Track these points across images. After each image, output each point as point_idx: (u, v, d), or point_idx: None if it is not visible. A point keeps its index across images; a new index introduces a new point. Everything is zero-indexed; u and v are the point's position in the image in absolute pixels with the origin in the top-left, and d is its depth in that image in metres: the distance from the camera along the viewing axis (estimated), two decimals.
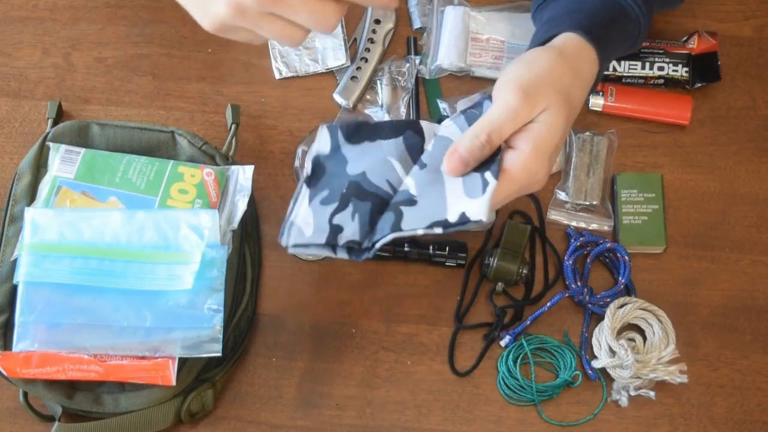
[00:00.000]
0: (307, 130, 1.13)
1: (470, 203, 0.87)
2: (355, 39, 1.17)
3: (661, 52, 1.14)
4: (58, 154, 1.03)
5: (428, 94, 1.14)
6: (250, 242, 1.06)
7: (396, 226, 0.88)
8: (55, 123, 1.10)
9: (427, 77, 1.15)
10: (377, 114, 1.13)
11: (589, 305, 1.06)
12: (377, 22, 1.16)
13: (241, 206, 1.02)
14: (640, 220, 1.08)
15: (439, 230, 0.87)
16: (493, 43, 1.15)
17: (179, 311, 0.96)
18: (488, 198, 0.86)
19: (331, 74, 1.16)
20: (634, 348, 1.02)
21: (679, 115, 1.13)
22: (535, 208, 1.10)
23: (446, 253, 1.06)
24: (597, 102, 1.13)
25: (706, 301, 1.07)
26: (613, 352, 1.02)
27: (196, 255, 0.97)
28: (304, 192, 0.93)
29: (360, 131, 0.94)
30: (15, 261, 0.98)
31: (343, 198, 0.91)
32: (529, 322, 1.05)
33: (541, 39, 0.96)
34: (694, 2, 1.18)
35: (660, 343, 1.02)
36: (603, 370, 1.03)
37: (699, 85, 1.13)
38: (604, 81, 1.13)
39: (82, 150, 1.03)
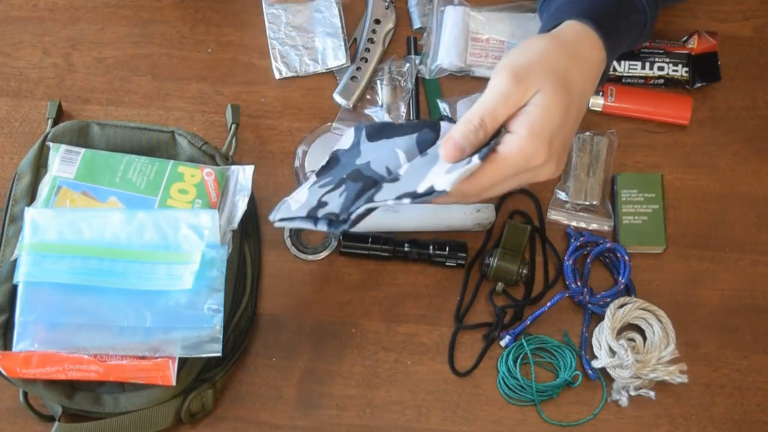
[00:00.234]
0: (307, 130, 1.13)
1: (443, 177, 0.88)
2: (355, 39, 1.17)
3: (661, 52, 1.14)
4: (58, 154, 1.03)
5: (428, 94, 1.14)
6: (250, 242, 1.06)
7: (370, 199, 0.90)
8: (55, 123, 1.10)
9: (427, 77, 1.15)
10: (377, 114, 1.13)
11: (589, 305, 1.06)
12: (377, 22, 1.16)
13: (241, 206, 1.02)
14: (640, 220, 1.08)
15: (407, 201, 0.88)
16: (493, 43, 1.15)
17: (179, 311, 0.96)
18: (460, 172, 0.86)
19: (331, 74, 1.16)
20: (634, 348, 1.02)
21: (679, 115, 1.13)
22: (535, 208, 1.10)
23: (446, 253, 1.06)
24: (597, 102, 1.13)
25: (706, 301, 1.07)
26: (613, 352, 1.02)
27: (196, 255, 0.97)
28: (312, 179, 0.95)
29: (382, 131, 0.96)
30: (15, 261, 0.98)
31: (339, 181, 0.93)
32: (529, 322, 1.05)
33: (546, 29, 0.96)
34: (694, 2, 1.18)
35: (660, 343, 1.02)
36: (603, 370, 1.03)
37: (699, 85, 1.13)
38: None
39: (82, 150, 1.03)
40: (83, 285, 0.95)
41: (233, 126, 1.09)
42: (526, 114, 0.88)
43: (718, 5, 1.18)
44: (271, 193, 1.10)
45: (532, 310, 1.06)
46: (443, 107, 1.12)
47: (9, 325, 0.97)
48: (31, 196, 1.02)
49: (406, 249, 1.07)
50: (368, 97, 1.14)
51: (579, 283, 1.06)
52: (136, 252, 0.97)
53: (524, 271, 1.05)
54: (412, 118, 1.13)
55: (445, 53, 1.14)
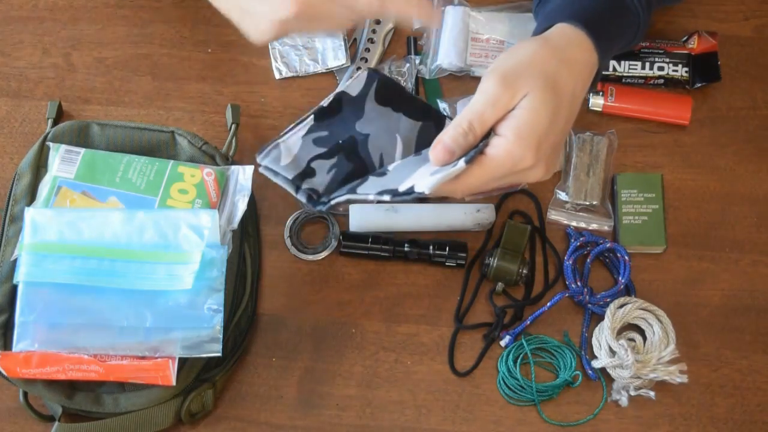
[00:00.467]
0: None
1: (426, 178, 0.89)
2: (355, 39, 1.17)
3: (661, 52, 1.14)
4: (58, 154, 1.03)
5: (428, 94, 1.14)
6: (250, 242, 1.06)
7: (352, 190, 0.91)
8: (55, 123, 1.10)
9: (427, 77, 1.15)
10: None
11: (589, 305, 1.06)
12: (377, 22, 1.16)
13: (241, 206, 1.02)
14: (640, 220, 1.08)
15: (387, 197, 0.89)
16: (493, 43, 1.15)
17: (179, 311, 0.96)
18: (442, 176, 0.87)
19: (331, 74, 1.16)
20: (634, 348, 1.02)
21: (679, 115, 1.13)
22: (535, 208, 1.10)
23: (446, 253, 1.06)
24: (597, 102, 1.13)
25: (706, 301, 1.07)
26: (613, 352, 1.02)
27: (196, 255, 0.97)
28: (309, 121, 0.96)
29: (391, 96, 0.96)
30: (15, 261, 0.98)
31: (333, 148, 0.94)
32: (529, 322, 1.05)
33: (539, 31, 0.96)
34: (694, 2, 1.18)
35: (660, 343, 1.02)
36: (603, 370, 1.03)
37: (699, 85, 1.14)
38: (604, 81, 1.13)
39: (82, 150, 1.03)
40: (83, 285, 0.95)
41: (233, 126, 1.09)
42: (514, 117, 0.88)
43: (718, 5, 1.18)
44: (271, 193, 1.10)
45: (532, 310, 1.06)
46: (443, 107, 1.12)
47: (9, 325, 0.97)
48: (31, 196, 1.02)
49: (406, 249, 1.07)
50: None
51: (579, 283, 1.06)
52: (136, 252, 0.97)
53: (524, 271, 1.05)
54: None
55: (445, 53, 1.14)
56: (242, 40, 1.11)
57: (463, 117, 0.89)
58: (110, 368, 0.95)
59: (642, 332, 1.05)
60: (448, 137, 0.89)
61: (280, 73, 1.15)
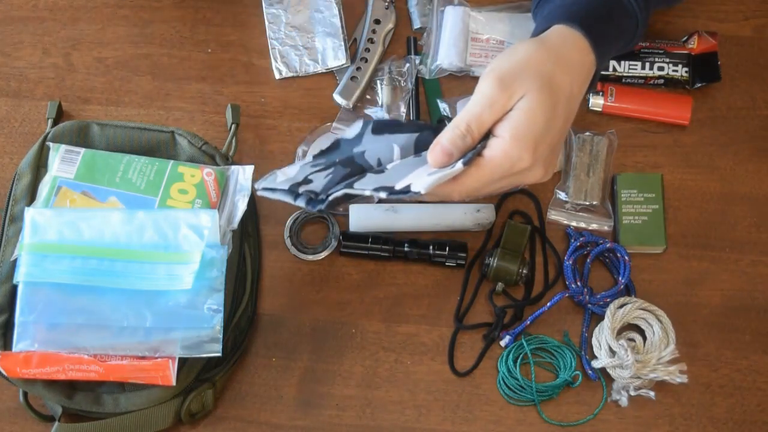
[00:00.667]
0: (307, 130, 1.13)
1: (423, 178, 0.89)
2: (355, 39, 1.17)
3: (661, 52, 1.14)
4: (58, 154, 1.03)
5: (428, 94, 1.14)
6: (250, 242, 1.06)
7: (350, 185, 0.91)
8: (55, 123, 1.10)
9: (427, 77, 1.15)
10: (377, 114, 1.13)
11: (589, 305, 1.06)
12: (377, 22, 1.16)
13: (241, 206, 1.02)
14: (640, 220, 1.08)
15: (383, 194, 0.90)
16: (493, 43, 1.15)
17: (179, 311, 0.96)
18: (438, 176, 0.88)
19: (331, 74, 1.16)
20: (634, 348, 1.02)
21: (679, 115, 1.13)
22: (535, 208, 1.10)
23: (446, 253, 1.06)
24: (597, 102, 1.13)
25: (706, 301, 1.07)
26: (613, 352, 1.02)
27: (196, 255, 0.97)
28: (308, 159, 0.98)
29: (388, 127, 0.97)
30: (15, 261, 0.98)
31: (330, 164, 0.96)
32: (529, 322, 1.05)
33: (537, 32, 0.96)
34: (694, 2, 1.18)
35: (660, 343, 1.02)
36: (603, 370, 1.03)
37: (699, 85, 1.13)
38: (604, 81, 1.13)
39: (82, 150, 1.03)
40: (83, 285, 0.95)
41: (233, 126, 1.09)
42: (511, 118, 0.89)
43: (718, 5, 1.18)
44: None
45: (532, 310, 1.06)
46: (443, 107, 1.12)
47: (9, 325, 0.97)
48: (31, 196, 1.02)
49: (406, 249, 1.07)
50: (368, 97, 1.14)
51: (579, 283, 1.06)
52: (135, 252, 0.97)
53: (524, 271, 1.05)
54: (412, 118, 1.13)
55: (445, 53, 1.14)
56: (242, 40, 1.12)
57: (461, 119, 0.89)
58: (110, 368, 0.95)
59: (642, 332, 1.05)
60: (446, 139, 0.89)
61: (280, 73, 1.15)
